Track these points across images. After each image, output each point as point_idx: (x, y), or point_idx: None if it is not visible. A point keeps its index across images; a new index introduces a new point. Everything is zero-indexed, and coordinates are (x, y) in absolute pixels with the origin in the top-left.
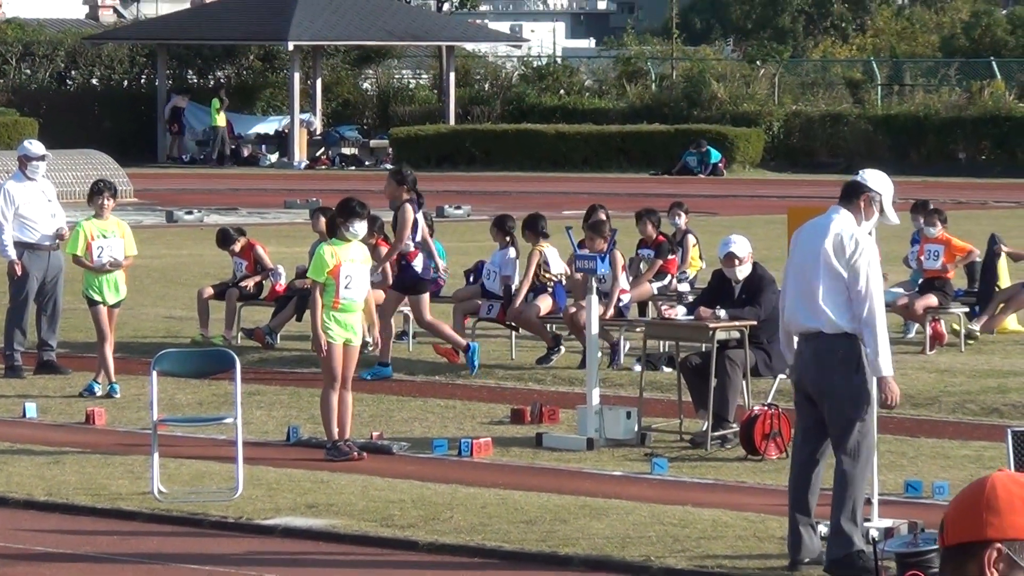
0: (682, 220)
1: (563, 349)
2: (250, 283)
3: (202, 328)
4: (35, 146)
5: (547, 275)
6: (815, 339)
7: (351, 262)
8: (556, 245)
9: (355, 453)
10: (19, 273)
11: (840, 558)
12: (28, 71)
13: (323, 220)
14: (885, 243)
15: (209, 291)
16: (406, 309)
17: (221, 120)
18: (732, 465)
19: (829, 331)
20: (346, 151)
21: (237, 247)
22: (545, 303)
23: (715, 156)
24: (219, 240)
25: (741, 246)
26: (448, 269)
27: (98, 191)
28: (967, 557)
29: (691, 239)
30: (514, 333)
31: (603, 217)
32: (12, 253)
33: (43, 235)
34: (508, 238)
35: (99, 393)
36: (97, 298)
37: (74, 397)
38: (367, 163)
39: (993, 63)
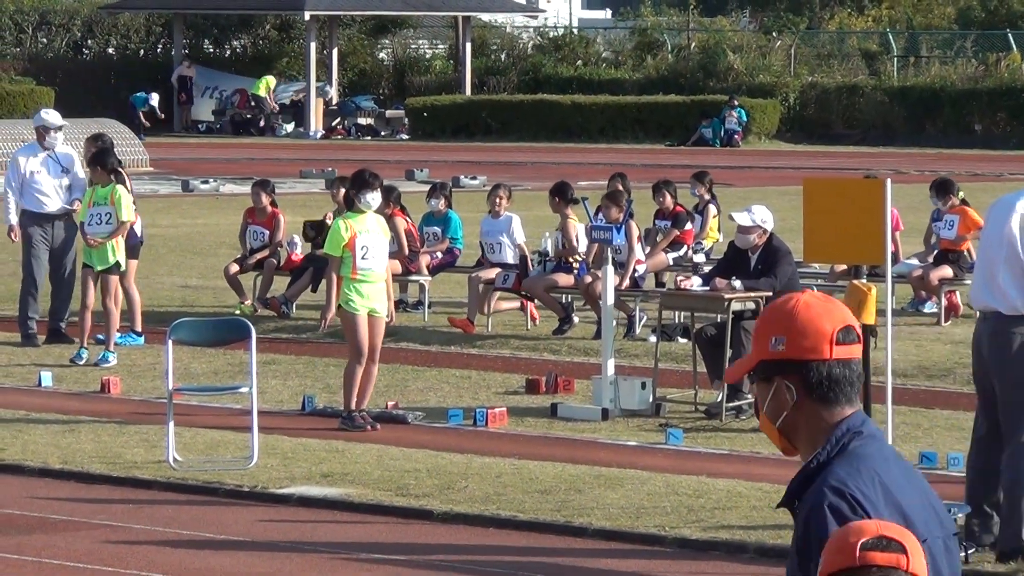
0: (701, 191)
1: (576, 319)
2: (255, 257)
3: (242, 300)
4: (52, 116)
5: (578, 253)
6: (992, 319)
7: (367, 232)
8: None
9: (368, 426)
10: (14, 240)
11: (1013, 548)
12: (44, 40)
13: (343, 190)
14: (903, 215)
15: (235, 267)
16: (422, 279)
17: (263, 92)
18: (747, 436)
19: (1007, 312)
20: (362, 121)
21: (267, 201)
22: (563, 278)
23: (744, 115)
24: (258, 184)
25: (760, 215)
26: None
27: (90, 163)
28: None
29: (712, 209)
30: (530, 303)
31: (620, 187)
32: (14, 219)
33: (52, 205)
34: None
35: (83, 360)
36: (87, 263)
37: (89, 366)
38: (383, 133)
39: (1009, 35)
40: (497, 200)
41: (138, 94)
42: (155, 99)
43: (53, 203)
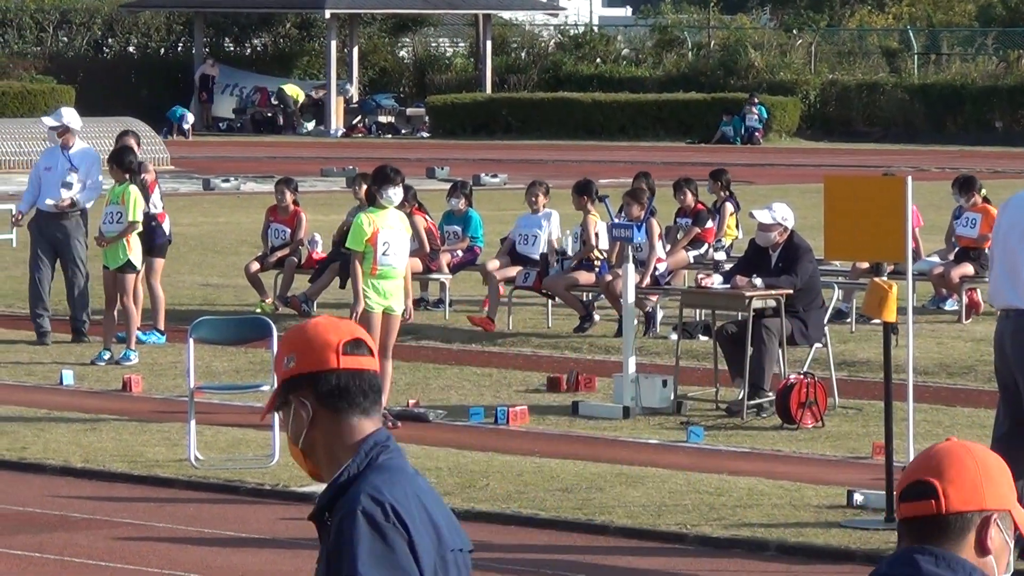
0: (717, 188)
1: (598, 317)
2: (276, 256)
3: (264, 299)
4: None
5: (597, 251)
6: (1015, 316)
7: (389, 228)
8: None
9: (389, 423)
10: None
11: None
12: (65, 39)
13: (365, 187)
14: (924, 212)
15: (256, 265)
16: (442, 277)
17: (290, 91)
18: (768, 434)
19: None
20: (383, 119)
21: (290, 199)
22: (584, 276)
23: (764, 113)
24: (282, 182)
25: (782, 213)
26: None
27: (108, 160)
28: (967, 526)
29: (729, 207)
30: (550, 301)
31: (644, 185)
32: (24, 207)
33: (49, 202)
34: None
35: (104, 362)
36: (104, 262)
37: (111, 364)
38: (403, 131)
39: None
40: (534, 197)
41: (179, 111)
42: (189, 120)
43: (50, 200)
